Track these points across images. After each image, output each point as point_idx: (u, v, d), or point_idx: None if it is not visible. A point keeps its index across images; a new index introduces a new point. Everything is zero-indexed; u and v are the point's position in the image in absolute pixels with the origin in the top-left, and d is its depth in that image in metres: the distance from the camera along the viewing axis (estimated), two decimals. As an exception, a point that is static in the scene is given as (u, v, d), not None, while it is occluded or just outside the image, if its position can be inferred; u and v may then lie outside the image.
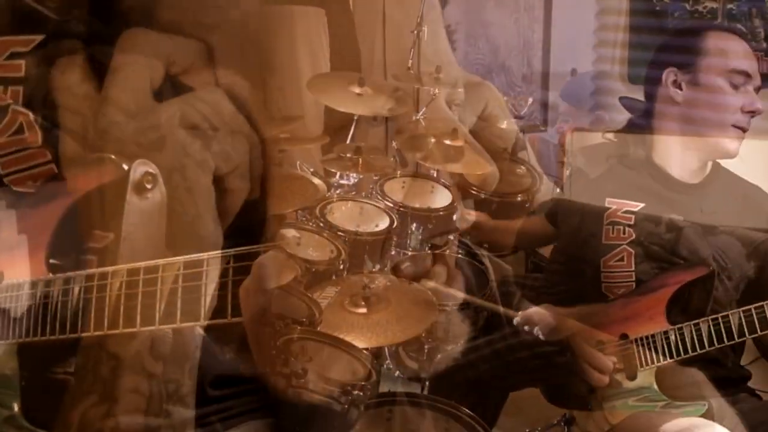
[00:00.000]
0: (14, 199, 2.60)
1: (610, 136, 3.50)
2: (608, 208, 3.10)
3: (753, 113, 3.08)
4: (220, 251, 2.13)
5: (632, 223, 3.07)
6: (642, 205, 3.03)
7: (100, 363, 2.39)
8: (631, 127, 3.54)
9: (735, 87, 3.02)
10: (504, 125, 3.38)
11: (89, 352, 2.29)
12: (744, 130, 3.09)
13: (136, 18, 2.70)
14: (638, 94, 3.90)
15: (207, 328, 2.30)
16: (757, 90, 3.10)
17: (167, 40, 2.93)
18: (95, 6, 2.70)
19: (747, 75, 3.05)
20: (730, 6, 4.65)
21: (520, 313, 2.95)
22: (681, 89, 3.01)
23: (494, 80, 5.38)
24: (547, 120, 5.57)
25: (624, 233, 3.05)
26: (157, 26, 2.84)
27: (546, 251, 3.48)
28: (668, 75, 3.06)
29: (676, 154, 3.04)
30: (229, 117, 2.70)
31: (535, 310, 2.97)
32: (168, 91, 2.84)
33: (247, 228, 2.73)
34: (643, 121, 3.37)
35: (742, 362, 3.52)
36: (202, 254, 2.14)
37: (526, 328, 2.92)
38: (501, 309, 2.93)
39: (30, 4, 2.71)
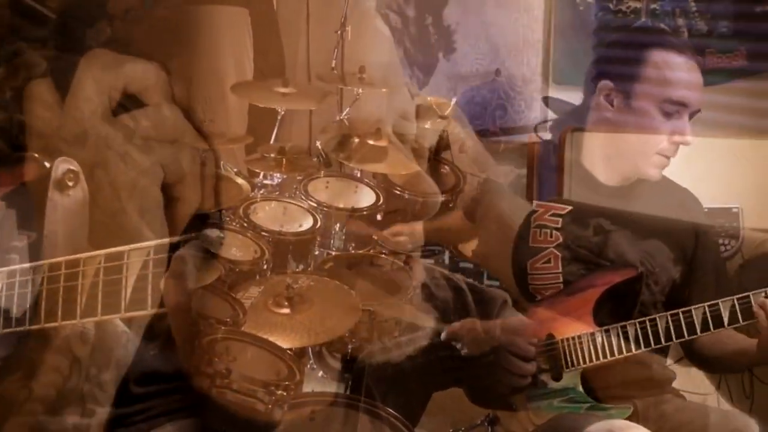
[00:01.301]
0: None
1: (543, 135, 3.59)
2: (535, 211, 3.18)
3: (678, 144, 3.13)
4: (139, 244, 2.21)
5: (559, 226, 3.13)
6: (569, 208, 3.09)
7: (29, 342, 2.49)
8: (560, 128, 3.62)
9: (667, 115, 3.06)
10: (428, 125, 3.49)
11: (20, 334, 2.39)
12: (668, 157, 3.15)
13: (100, 41, 2.82)
14: (562, 94, 4.01)
15: (132, 324, 2.39)
16: (693, 115, 3.13)
17: (127, 61, 3.04)
18: (61, 31, 2.81)
19: (682, 104, 3.09)
20: (653, 6, 4.75)
21: (447, 329, 2.97)
22: (612, 105, 3.04)
23: (494, 80, 5.57)
24: (547, 120, 5.66)
25: (551, 236, 3.10)
26: (119, 48, 2.94)
27: (466, 251, 3.58)
28: (602, 87, 3.08)
29: (602, 163, 3.10)
30: (180, 129, 2.81)
31: (460, 326, 3.00)
32: (125, 109, 2.94)
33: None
34: (574, 123, 3.44)
35: (667, 363, 3.63)
36: (122, 247, 2.22)
37: (453, 343, 2.98)
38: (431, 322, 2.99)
39: (30, 3, 2.78)
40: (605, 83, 3.06)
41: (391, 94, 3.78)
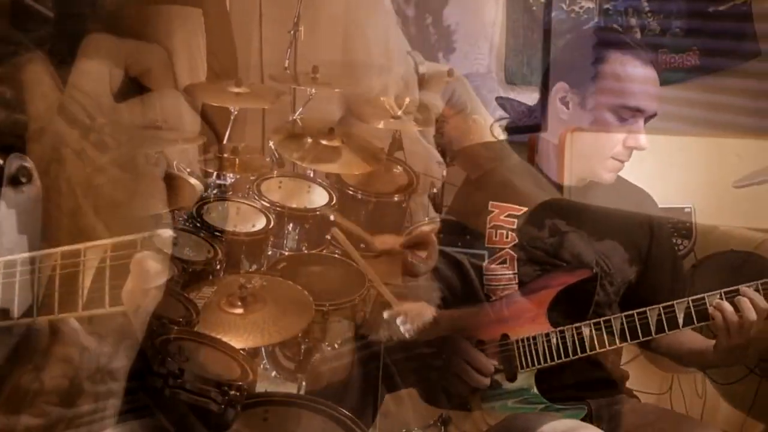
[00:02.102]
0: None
1: (498, 134, 3.63)
2: (491, 212, 3.22)
3: (632, 149, 3.17)
4: (96, 242, 2.27)
5: (515, 227, 3.18)
6: (525, 209, 3.15)
7: (40, 336, 2.56)
8: (515, 129, 3.67)
9: (622, 120, 3.10)
10: (381, 125, 3.55)
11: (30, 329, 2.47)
12: (622, 161, 3.20)
13: (99, 23, 2.89)
14: (513, 94, 4.08)
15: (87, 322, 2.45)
16: (648, 119, 3.16)
17: (126, 44, 3.10)
18: (60, 15, 2.87)
19: (638, 110, 3.13)
20: (606, 5, 4.88)
21: (398, 303, 2.99)
22: (568, 108, 3.08)
23: (494, 80, 5.63)
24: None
25: (507, 237, 3.15)
26: (118, 31, 3.02)
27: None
28: (558, 89, 3.12)
29: (557, 164, 3.14)
30: (185, 118, 2.90)
31: (411, 306, 3.02)
32: (128, 92, 3.03)
33: None
34: (530, 123, 3.50)
35: (620, 362, 3.69)
36: (78, 245, 2.28)
37: (397, 321, 3.03)
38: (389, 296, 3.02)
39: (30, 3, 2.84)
40: (561, 85, 3.09)
41: (396, 65, 3.86)
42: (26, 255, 2.30)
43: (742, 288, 3.05)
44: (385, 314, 2.99)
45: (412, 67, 3.35)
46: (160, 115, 2.96)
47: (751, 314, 3.01)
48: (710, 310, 3.01)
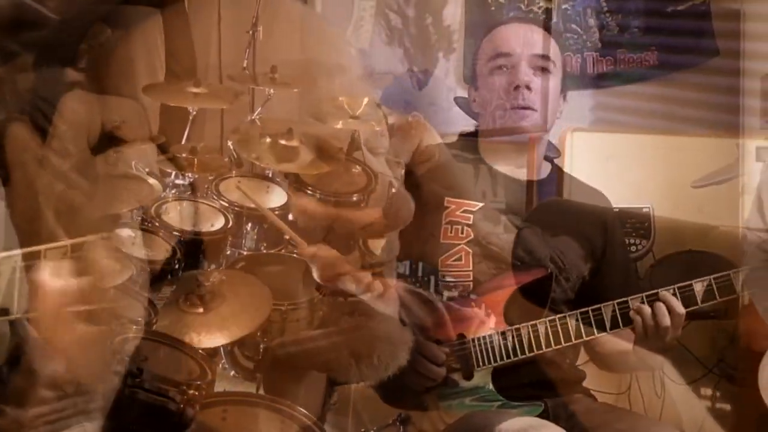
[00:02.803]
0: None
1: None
2: (447, 207, 3.27)
3: (519, 87, 3.23)
4: (55, 243, 2.32)
5: (471, 222, 3.23)
6: (481, 204, 3.20)
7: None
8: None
9: (500, 70, 3.18)
10: (339, 125, 3.61)
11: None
12: (527, 108, 3.26)
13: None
14: None
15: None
16: (538, 68, 3.21)
17: (101, 100, 3.17)
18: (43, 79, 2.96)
19: (507, 54, 3.20)
20: (565, 6, 4.93)
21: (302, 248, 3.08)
22: (475, 101, 3.14)
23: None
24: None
25: (462, 233, 3.21)
26: (94, 88, 3.09)
27: (376, 247, 3.69)
28: (469, 93, 3.22)
29: (499, 153, 3.21)
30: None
31: (322, 252, 3.08)
32: (105, 145, 3.11)
33: None
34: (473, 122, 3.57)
35: (577, 362, 3.74)
36: (38, 246, 2.34)
37: (308, 261, 3.04)
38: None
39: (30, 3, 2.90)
40: (469, 89, 3.17)
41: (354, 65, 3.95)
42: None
43: (661, 293, 3.10)
44: (304, 250, 3.07)
45: (381, 118, 3.38)
46: (118, 114, 3.03)
47: (665, 320, 3.07)
48: (631, 314, 3.06)
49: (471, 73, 3.23)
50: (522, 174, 3.31)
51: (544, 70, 3.28)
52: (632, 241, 4.36)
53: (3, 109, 2.81)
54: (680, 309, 3.12)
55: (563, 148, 4.41)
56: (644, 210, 4.40)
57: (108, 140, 3.01)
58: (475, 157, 3.21)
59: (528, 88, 3.19)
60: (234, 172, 3.35)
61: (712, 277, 3.04)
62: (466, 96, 3.80)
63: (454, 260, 3.15)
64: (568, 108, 4.62)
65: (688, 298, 3.08)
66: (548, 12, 4.76)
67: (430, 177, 3.18)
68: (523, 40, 3.23)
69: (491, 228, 3.17)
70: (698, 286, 3.06)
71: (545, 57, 3.27)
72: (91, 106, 2.91)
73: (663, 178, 4.64)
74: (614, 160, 4.50)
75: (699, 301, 3.12)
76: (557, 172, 3.86)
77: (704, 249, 4.15)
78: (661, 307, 3.10)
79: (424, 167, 3.52)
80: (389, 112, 4.00)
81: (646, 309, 3.10)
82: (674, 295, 3.09)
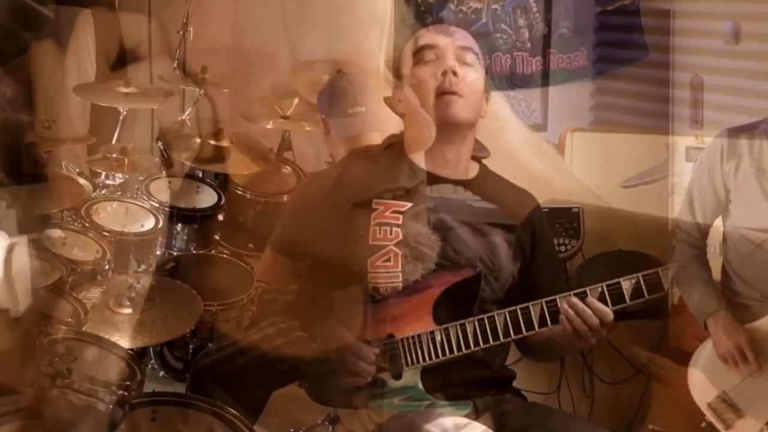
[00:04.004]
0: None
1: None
2: (376, 209, 3.32)
3: (446, 72, 3.31)
4: None
5: (400, 223, 3.29)
6: (409, 205, 3.25)
7: None
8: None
9: (425, 62, 3.24)
10: (270, 125, 3.67)
11: None
12: (454, 93, 3.34)
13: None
14: None
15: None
16: (462, 49, 3.32)
17: (118, 17, 3.21)
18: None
19: (432, 46, 3.28)
20: (494, 6, 5.04)
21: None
22: (400, 101, 3.21)
23: (494, 80, 5.76)
24: (547, 119, 5.91)
25: (391, 234, 3.26)
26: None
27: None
28: (393, 94, 3.29)
29: (427, 153, 3.26)
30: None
31: None
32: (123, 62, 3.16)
33: None
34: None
35: (507, 362, 3.82)
36: None
37: None
38: None
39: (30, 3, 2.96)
40: (397, 85, 3.24)
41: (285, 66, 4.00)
42: None
43: (589, 299, 3.17)
44: None
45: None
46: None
47: (593, 320, 3.15)
48: (563, 309, 3.14)
49: (396, 74, 3.30)
50: (449, 173, 3.37)
51: (468, 65, 3.35)
52: (562, 241, 4.43)
53: None
54: (601, 314, 3.19)
55: (563, 148, 4.52)
56: (573, 210, 4.47)
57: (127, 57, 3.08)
58: (402, 157, 3.27)
59: (455, 73, 3.25)
60: (164, 172, 3.44)
61: (640, 274, 3.07)
62: None
63: (383, 261, 3.15)
64: (568, 108, 4.78)
65: (616, 296, 3.11)
66: (478, 12, 4.88)
67: (358, 180, 3.23)
68: (447, 32, 3.31)
69: (420, 228, 3.16)
70: (626, 284, 3.07)
71: (469, 48, 3.35)
72: (106, 23, 2.97)
73: (592, 178, 4.74)
74: (543, 160, 4.60)
75: (627, 299, 3.14)
76: (485, 172, 3.95)
77: (634, 249, 4.25)
78: (584, 310, 3.16)
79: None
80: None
81: (574, 309, 3.17)
82: (602, 293, 3.10)
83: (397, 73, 3.09)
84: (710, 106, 4.99)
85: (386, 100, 3.65)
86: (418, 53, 3.04)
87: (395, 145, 3.14)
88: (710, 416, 3.57)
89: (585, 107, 5.30)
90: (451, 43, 3.06)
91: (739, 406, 3.52)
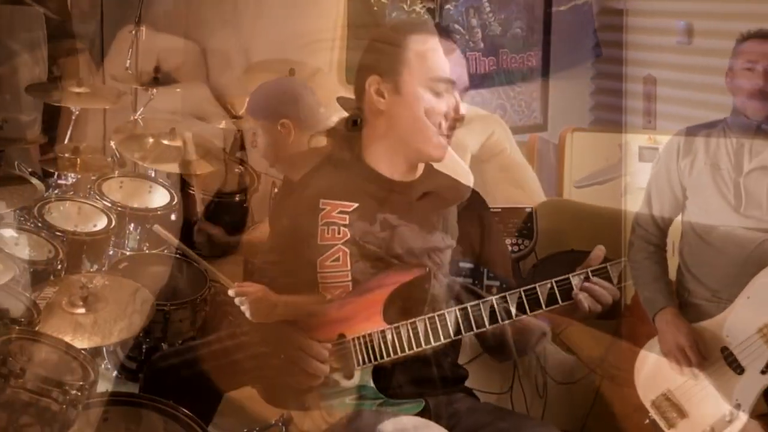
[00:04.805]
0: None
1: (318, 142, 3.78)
2: (323, 209, 3.37)
3: (457, 120, 3.33)
4: None
5: (347, 223, 3.32)
6: (356, 205, 3.28)
7: None
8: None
9: (438, 95, 3.25)
10: (222, 125, 3.72)
11: None
12: (449, 136, 3.35)
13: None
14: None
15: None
16: (465, 91, 3.31)
17: (159, 39, 3.24)
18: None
19: (449, 81, 3.30)
20: (447, 6, 5.11)
21: (234, 285, 3.02)
22: (384, 98, 3.21)
23: (494, 81, 5.56)
24: (547, 119, 5.77)
25: (339, 233, 3.29)
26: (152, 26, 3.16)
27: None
28: (371, 82, 3.27)
29: (386, 157, 3.28)
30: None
31: (251, 287, 3.04)
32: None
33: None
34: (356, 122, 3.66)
35: (460, 361, 3.87)
36: None
37: (236, 301, 3.16)
38: (222, 277, 3.16)
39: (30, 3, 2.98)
40: (373, 78, 3.20)
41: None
42: None
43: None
44: (230, 292, 3.02)
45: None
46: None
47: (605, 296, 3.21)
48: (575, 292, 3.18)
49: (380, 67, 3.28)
50: (396, 176, 3.39)
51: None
52: (515, 240, 4.50)
53: None
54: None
55: (563, 148, 4.58)
56: (527, 210, 4.56)
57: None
58: (352, 156, 3.30)
59: (459, 120, 3.29)
60: (117, 172, 3.46)
61: (589, 269, 3.12)
62: (349, 96, 3.91)
63: (332, 261, 3.17)
64: (568, 108, 4.85)
65: (565, 292, 3.16)
66: (431, 12, 4.95)
67: (308, 179, 3.26)
68: (459, 66, 3.27)
69: (368, 228, 3.18)
70: (575, 280, 3.12)
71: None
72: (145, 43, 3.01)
73: (544, 178, 4.81)
74: (496, 160, 4.67)
75: (575, 295, 3.20)
76: (429, 170, 4.00)
77: (587, 249, 4.31)
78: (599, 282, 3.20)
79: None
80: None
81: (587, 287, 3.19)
82: (551, 289, 3.13)
83: (381, 64, 3.07)
84: (664, 105, 5.09)
85: (339, 100, 3.69)
86: (433, 84, 3.03)
87: (338, 140, 3.17)
88: (654, 414, 3.65)
89: (585, 107, 5.38)
90: (462, 82, 3.06)
91: (682, 406, 3.60)
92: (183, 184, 3.74)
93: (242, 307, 3.03)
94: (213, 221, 3.69)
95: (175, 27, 3.85)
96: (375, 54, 3.05)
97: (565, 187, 4.21)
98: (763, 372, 3.43)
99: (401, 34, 3.04)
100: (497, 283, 3.79)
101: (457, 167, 4.12)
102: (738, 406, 3.49)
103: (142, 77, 3.47)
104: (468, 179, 4.03)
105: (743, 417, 3.48)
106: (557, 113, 5.55)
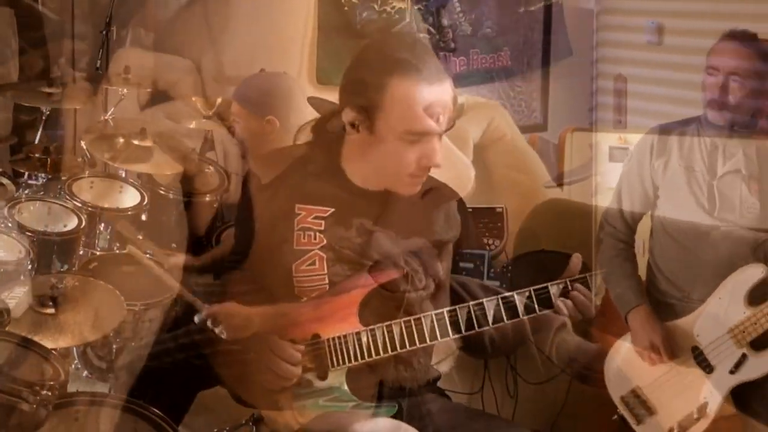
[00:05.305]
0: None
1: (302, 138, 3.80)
2: (298, 214, 3.38)
3: (430, 167, 3.29)
4: None
5: (323, 228, 3.34)
6: (331, 210, 3.29)
7: None
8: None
9: (413, 143, 3.21)
10: (193, 125, 3.74)
11: None
12: (420, 177, 3.32)
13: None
14: (326, 94, 4.20)
15: None
16: (449, 129, 3.23)
17: (155, 58, 3.25)
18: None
19: (424, 134, 3.24)
20: (418, 6, 5.12)
21: (205, 307, 3.05)
22: (358, 131, 3.18)
23: (494, 80, 5.62)
24: (547, 119, 5.82)
25: (315, 239, 3.31)
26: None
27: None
28: (346, 114, 3.23)
29: (360, 173, 3.25)
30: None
31: (220, 307, 3.06)
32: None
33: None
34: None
35: (432, 362, 3.90)
36: None
37: (209, 324, 3.22)
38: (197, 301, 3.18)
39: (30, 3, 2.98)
40: (347, 112, 3.17)
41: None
42: None
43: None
44: (196, 319, 3.07)
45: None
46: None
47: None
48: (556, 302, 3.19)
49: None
50: (372, 187, 3.37)
51: None
52: (485, 240, 4.54)
53: None
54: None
55: (563, 148, 4.61)
56: (497, 210, 4.60)
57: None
58: (329, 162, 3.29)
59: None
60: (87, 172, 3.48)
61: (567, 279, 3.14)
62: (320, 96, 3.93)
63: (308, 265, 3.18)
64: (568, 108, 4.88)
65: (543, 301, 3.18)
66: (401, 12, 5.01)
67: (280, 183, 3.26)
68: (440, 114, 3.20)
69: (344, 233, 3.19)
70: (554, 289, 3.14)
71: None
72: (142, 64, 3.03)
73: (516, 179, 4.85)
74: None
75: (554, 304, 3.22)
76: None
77: (557, 249, 4.35)
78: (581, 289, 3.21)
79: (248, 123, 3.70)
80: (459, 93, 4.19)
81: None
82: (529, 297, 3.15)
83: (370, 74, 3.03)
84: (635, 103, 5.14)
85: (311, 100, 3.71)
86: (408, 135, 2.98)
87: (317, 142, 3.17)
88: (622, 409, 3.70)
89: (585, 107, 5.42)
90: (438, 131, 3.02)
91: (651, 403, 3.65)
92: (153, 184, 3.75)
93: (216, 330, 3.03)
94: (183, 221, 3.71)
95: (166, 44, 3.88)
96: (354, 85, 3.02)
97: (600, 188, 4.24)
98: (731, 372, 3.48)
99: (383, 73, 2.99)
100: (497, 283, 3.83)
101: (459, 163, 4.16)
102: (706, 405, 3.55)
103: (112, 78, 3.49)
104: (469, 174, 4.07)
105: (710, 415, 3.55)
106: (557, 113, 5.64)
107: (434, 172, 3.09)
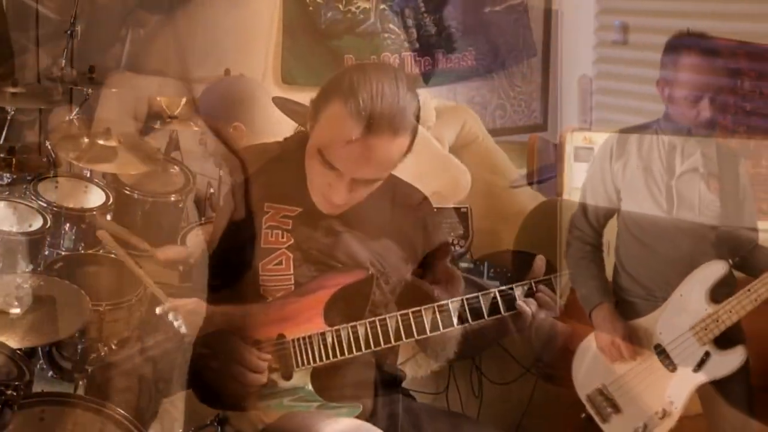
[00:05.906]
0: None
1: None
2: (267, 212, 3.40)
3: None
4: None
5: (290, 227, 3.36)
6: (299, 210, 3.31)
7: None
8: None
9: (331, 167, 3.19)
10: (158, 125, 3.76)
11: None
12: (332, 205, 3.33)
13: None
14: (291, 94, 4.22)
15: None
16: (371, 181, 3.22)
17: (151, 80, 3.25)
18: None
19: (335, 170, 2.86)
20: (382, 6, 5.16)
21: (168, 299, 3.07)
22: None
23: (494, 80, 5.70)
24: (547, 119, 5.86)
25: (282, 238, 3.33)
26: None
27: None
28: (306, 120, 3.25)
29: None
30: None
31: (184, 302, 3.08)
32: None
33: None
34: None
35: (397, 362, 3.93)
36: None
37: (170, 316, 3.04)
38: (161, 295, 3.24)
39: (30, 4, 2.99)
40: (307, 117, 3.20)
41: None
42: None
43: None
44: (158, 310, 3.06)
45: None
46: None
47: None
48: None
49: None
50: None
51: None
52: (451, 240, 4.59)
53: None
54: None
55: (563, 148, 4.66)
56: (462, 210, 4.56)
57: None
58: (299, 162, 3.31)
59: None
60: (52, 172, 3.52)
61: (532, 281, 3.17)
62: (284, 96, 3.97)
63: (275, 264, 3.18)
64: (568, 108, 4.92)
65: (508, 302, 3.21)
66: (366, 12, 5.04)
67: (254, 180, 3.28)
68: (359, 161, 3.16)
69: (311, 233, 3.22)
70: (518, 291, 3.18)
71: None
72: (137, 85, 3.04)
73: (482, 179, 4.89)
74: (434, 160, 4.75)
75: (517, 305, 3.26)
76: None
77: (521, 249, 4.40)
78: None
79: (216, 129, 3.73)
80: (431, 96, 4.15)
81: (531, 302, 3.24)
82: (494, 298, 3.18)
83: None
84: (600, 103, 5.20)
85: (275, 100, 3.73)
86: (325, 160, 2.99)
87: (290, 144, 3.20)
88: (589, 408, 3.74)
89: (585, 107, 5.47)
90: (349, 176, 3.03)
91: (616, 401, 3.70)
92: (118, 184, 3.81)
93: (175, 323, 3.04)
94: (149, 221, 3.74)
95: (112, 28, 3.91)
96: (317, 96, 3.04)
97: (566, 188, 4.29)
98: (695, 370, 3.53)
99: (328, 94, 2.98)
100: (497, 283, 3.86)
101: (454, 168, 4.21)
102: (671, 404, 3.59)
103: (77, 77, 3.52)
104: (465, 179, 4.10)
105: (675, 414, 3.59)
106: (557, 113, 5.71)
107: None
